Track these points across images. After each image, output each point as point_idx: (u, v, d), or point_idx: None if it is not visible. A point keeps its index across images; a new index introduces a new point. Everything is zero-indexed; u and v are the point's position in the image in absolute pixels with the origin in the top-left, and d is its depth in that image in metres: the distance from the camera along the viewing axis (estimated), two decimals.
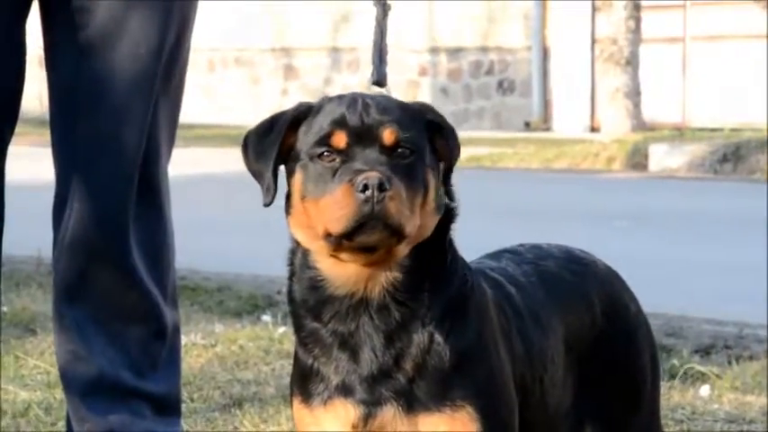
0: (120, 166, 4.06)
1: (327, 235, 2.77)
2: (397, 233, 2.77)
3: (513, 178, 14.29)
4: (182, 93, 4.20)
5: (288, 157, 2.89)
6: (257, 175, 2.91)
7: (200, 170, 11.01)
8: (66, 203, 4.10)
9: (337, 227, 2.76)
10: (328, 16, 22.55)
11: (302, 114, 2.91)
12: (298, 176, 2.85)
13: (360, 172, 2.76)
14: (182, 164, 4.54)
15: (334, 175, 2.80)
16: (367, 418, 2.87)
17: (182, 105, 4.21)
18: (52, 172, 4.14)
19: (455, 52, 22.18)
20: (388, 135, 2.82)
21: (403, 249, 2.84)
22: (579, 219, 9.47)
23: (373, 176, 2.73)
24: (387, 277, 2.86)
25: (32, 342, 6.09)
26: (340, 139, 2.83)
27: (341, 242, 2.77)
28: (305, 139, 2.87)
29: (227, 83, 24.18)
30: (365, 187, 2.73)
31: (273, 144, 2.88)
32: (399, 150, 2.82)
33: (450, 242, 2.95)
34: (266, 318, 7.08)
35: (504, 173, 15.05)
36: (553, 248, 3.31)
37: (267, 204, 2.89)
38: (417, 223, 2.81)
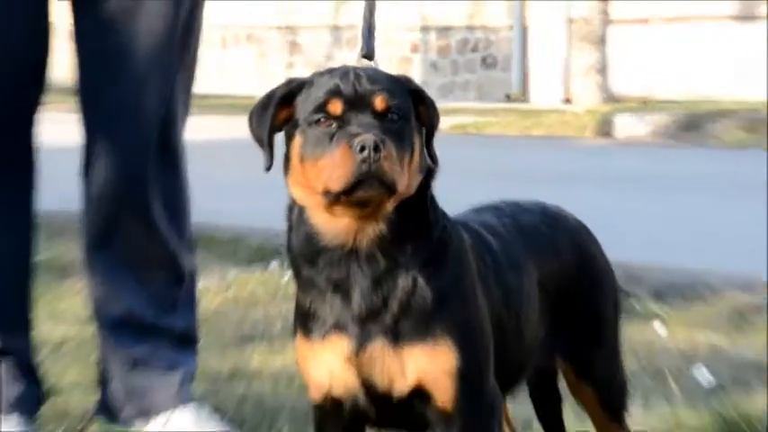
0: (140, 129, 4.12)
1: (326, 192, 2.80)
2: (390, 189, 2.79)
3: (494, 144, 14.24)
4: (195, 64, 4.25)
5: (286, 126, 2.93)
6: (259, 143, 2.95)
7: (214, 136, 10.94)
8: (92, 162, 4.16)
9: (337, 184, 2.78)
10: (327, 2, 22.43)
11: (295, 89, 2.94)
12: (297, 141, 2.88)
13: (356, 135, 2.78)
14: (197, 130, 4.56)
15: (331, 138, 2.82)
16: (358, 351, 2.89)
17: (196, 76, 4.26)
18: (79, 135, 4.18)
19: (444, 31, 22.04)
20: (379, 102, 2.86)
21: (390, 205, 2.87)
22: (553, 180, 9.44)
23: (369, 138, 2.76)
24: (374, 230, 2.88)
25: (66, 285, 6.13)
26: (336, 107, 2.86)
27: (339, 198, 2.80)
28: (303, 107, 2.90)
29: (239, 58, 24.05)
30: (362, 148, 2.75)
31: (268, 117, 2.92)
32: (389, 116, 2.85)
33: (432, 198, 2.98)
34: (273, 265, 7.09)
35: (486, 139, 14.99)
36: (530, 204, 3.36)
37: (267, 169, 2.94)
38: (406, 181, 2.84)
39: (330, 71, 2.96)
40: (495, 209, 3.29)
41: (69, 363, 4.91)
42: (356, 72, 2.93)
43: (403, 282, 2.91)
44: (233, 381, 4.87)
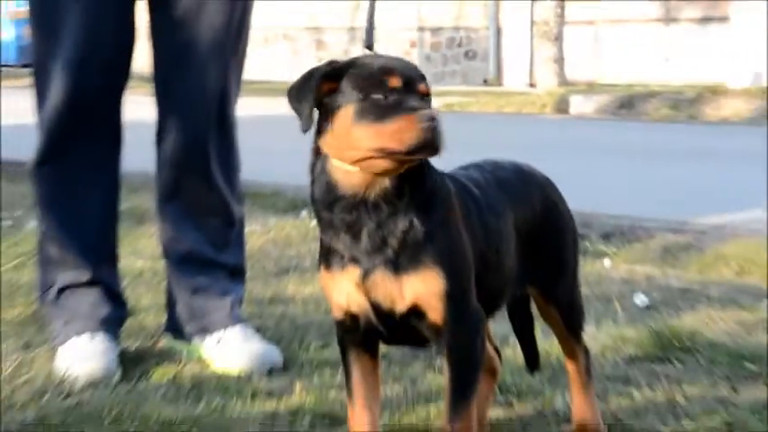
0: (202, 106, 4.06)
1: (382, 150, 2.74)
2: (437, 155, 2.76)
3: (475, 119, 14.19)
4: (245, 55, 4.18)
5: (328, 98, 2.82)
6: (297, 111, 2.84)
7: (258, 113, 10.90)
8: (164, 132, 4.12)
9: (402, 145, 2.72)
10: (347, 4, 22.35)
11: (341, 68, 2.85)
12: (349, 109, 2.77)
13: (417, 108, 2.73)
14: (245, 108, 4.53)
15: (392, 108, 2.75)
16: (366, 278, 2.85)
17: (245, 64, 4.21)
18: (154, 112, 4.14)
19: (436, 30, 22.03)
20: (423, 87, 2.81)
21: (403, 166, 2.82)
22: (521, 146, 9.39)
23: (434, 112, 2.74)
24: (381, 184, 2.82)
25: (143, 229, 6.11)
26: (396, 82, 2.78)
27: (396, 156, 2.74)
28: (356, 82, 2.80)
29: (277, 52, 24.02)
30: (430, 118, 2.71)
31: (311, 89, 2.82)
32: (426, 98, 2.80)
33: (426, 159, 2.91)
34: (304, 214, 7.07)
35: (468, 116, 14.95)
36: (505, 163, 3.28)
37: (305, 130, 2.83)
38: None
39: (374, 56, 2.90)
40: (478, 166, 3.21)
41: (145, 290, 4.89)
42: (400, 60, 2.88)
43: (401, 224, 2.85)
44: (272, 305, 4.81)
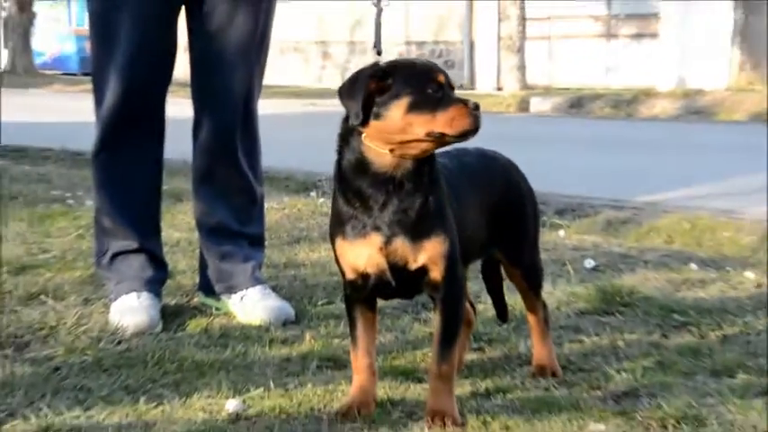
0: (231, 103, 4.02)
1: (432, 134, 2.76)
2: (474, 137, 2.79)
3: None
4: (266, 61, 4.14)
5: (376, 94, 2.80)
6: (348, 107, 2.83)
7: (275, 111, 10.85)
8: (199, 125, 4.08)
9: (455, 129, 2.74)
10: (348, 22, 22.30)
11: (388, 69, 2.83)
12: (404, 100, 2.77)
13: (463, 101, 2.77)
14: (265, 107, 4.50)
15: (443, 100, 2.77)
16: (387, 243, 2.85)
17: (265, 70, 4.17)
18: (191, 109, 4.10)
19: (420, 44, 21.98)
20: (452, 84, 2.86)
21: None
22: (490, 139, 9.29)
23: (477, 103, 2.78)
24: (406, 166, 2.83)
25: (180, 207, 6.07)
26: (442, 78, 2.81)
27: (444, 139, 2.77)
28: (407, 80, 2.79)
29: (290, 61, 23.97)
30: (476, 108, 2.75)
31: (362, 87, 2.80)
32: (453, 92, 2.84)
33: None
34: (312, 194, 7.04)
35: None
36: (471, 150, 3.24)
37: (358, 123, 2.80)
38: None
39: (409, 60, 2.92)
40: (447, 153, 3.15)
41: (181, 257, 4.85)
42: (429, 62, 2.93)
43: (418, 200, 2.85)
44: (286, 268, 4.77)
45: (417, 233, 2.85)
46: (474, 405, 3.05)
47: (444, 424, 2.85)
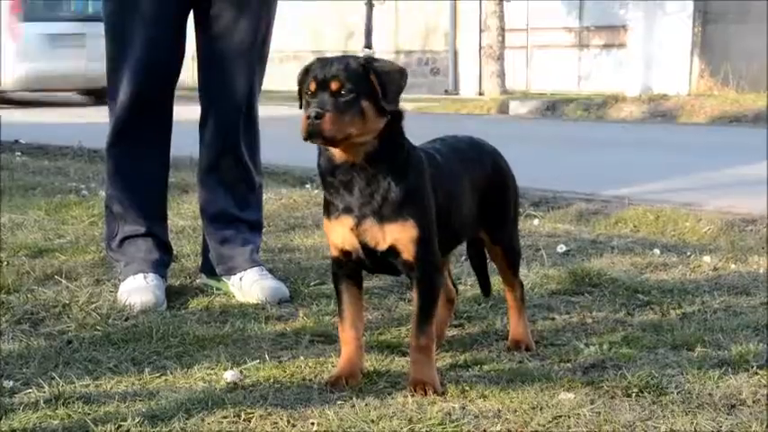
0: (234, 103, 4.01)
1: None
2: (329, 141, 2.75)
3: (439, 118, 14.10)
4: (265, 64, 4.11)
5: None
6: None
7: (275, 114, 10.85)
8: (205, 122, 4.07)
9: (303, 135, 2.75)
10: (343, 33, 22.26)
11: (303, 72, 2.87)
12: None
13: (314, 109, 2.73)
14: (266, 110, 4.49)
15: (308, 106, 2.78)
16: (357, 225, 2.84)
17: (265, 73, 4.13)
18: (198, 109, 4.08)
19: (408, 53, 21.95)
20: (333, 85, 2.76)
21: (362, 140, 2.78)
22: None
23: (312, 110, 2.72)
24: (362, 154, 2.80)
25: (186, 197, 6.06)
26: (311, 86, 2.79)
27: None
28: (301, 83, 2.86)
29: (288, 70, 23.92)
30: (317, 117, 2.71)
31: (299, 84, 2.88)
32: (341, 92, 2.75)
33: (401, 132, 2.88)
34: (308, 186, 7.02)
35: (434, 115, 14.85)
36: (463, 137, 3.24)
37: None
38: (353, 131, 2.75)
39: (320, 59, 2.87)
40: (441, 139, 3.16)
41: (186, 241, 4.82)
42: (330, 61, 2.83)
43: (383, 184, 2.83)
44: (282, 252, 4.74)
45: (385, 216, 2.83)
46: (453, 375, 3.03)
47: (425, 392, 2.83)
